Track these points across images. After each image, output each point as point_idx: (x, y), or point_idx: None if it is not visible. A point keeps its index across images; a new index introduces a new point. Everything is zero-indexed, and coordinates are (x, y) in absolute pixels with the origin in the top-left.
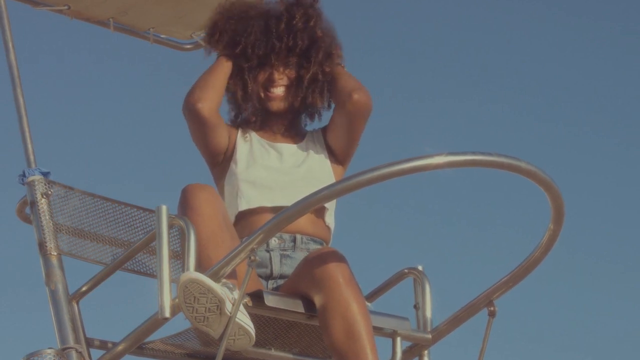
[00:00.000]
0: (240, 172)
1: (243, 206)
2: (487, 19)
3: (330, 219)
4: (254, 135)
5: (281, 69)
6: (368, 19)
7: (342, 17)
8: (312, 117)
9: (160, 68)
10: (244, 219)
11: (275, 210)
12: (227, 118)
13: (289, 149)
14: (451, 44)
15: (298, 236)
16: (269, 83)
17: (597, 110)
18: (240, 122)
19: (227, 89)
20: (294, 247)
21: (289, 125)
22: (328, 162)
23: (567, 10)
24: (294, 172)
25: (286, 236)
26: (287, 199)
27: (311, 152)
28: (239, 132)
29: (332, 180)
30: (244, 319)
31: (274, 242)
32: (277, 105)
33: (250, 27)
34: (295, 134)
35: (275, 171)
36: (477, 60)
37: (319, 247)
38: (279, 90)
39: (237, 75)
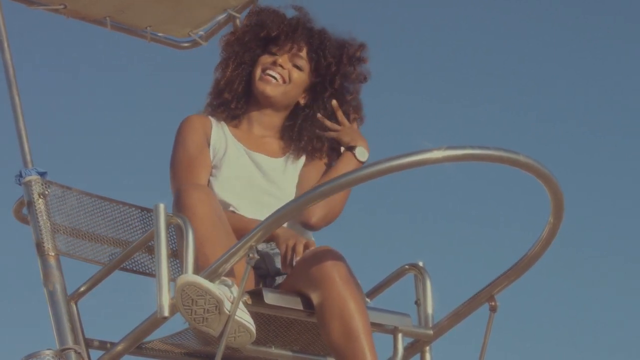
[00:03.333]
0: (221, 181)
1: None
2: (487, 18)
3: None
4: (229, 137)
5: (290, 64)
6: (368, 18)
7: (341, 16)
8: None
9: (157, 66)
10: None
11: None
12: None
13: (268, 162)
14: (451, 43)
15: None
16: (270, 65)
17: (596, 108)
18: (217, 113)
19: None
20: None
21: (273, 133)
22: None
23: (567, 9)
24: (272, 192)
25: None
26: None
27: (290, 173)
28: (213, 130)
29: None
30: (243, 316)
31: (260, 245)
32: (269, 90)
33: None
34: (278, 144)
35: (254, 188)
36: (476, 59)
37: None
38: (276, 75)
39: (241, 56)
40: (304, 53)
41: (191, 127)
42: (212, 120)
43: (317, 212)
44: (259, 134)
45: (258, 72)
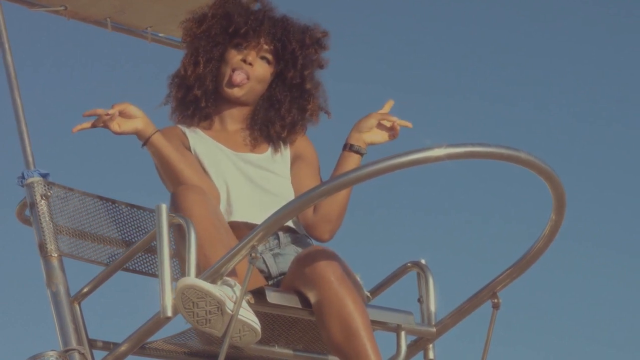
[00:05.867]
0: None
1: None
2: (486, 16)
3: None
4: (210, 141)
5: (258, 60)
6: (368, 16)
7: (342, 13)
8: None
9: (159, 67)
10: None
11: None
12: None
13: (257, 160)
14: (452, 41)
15: (280, 233)
16: (240, 63)
17: (595, 102)
18: (187, 116)
19: (186, 69)
20: (278, 244)
21: (245, 125)
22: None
23: (566, 8)
24: (269, 190)
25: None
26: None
27: (277, 167)
28: (188, 137)
29: None
30: (248, 315)
31: (260, 246)
32: (238, 91)
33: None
34: (254, 137)
35: (254, 191)
36: (476, 57)
37: (300, 236)
38: (245, 74)
39: (208, 51)
40: (269, 45)
41: (167, 136)
42: (183, 128)
43: (328, 228)
44: (233, 129)
45: (228, 71)
